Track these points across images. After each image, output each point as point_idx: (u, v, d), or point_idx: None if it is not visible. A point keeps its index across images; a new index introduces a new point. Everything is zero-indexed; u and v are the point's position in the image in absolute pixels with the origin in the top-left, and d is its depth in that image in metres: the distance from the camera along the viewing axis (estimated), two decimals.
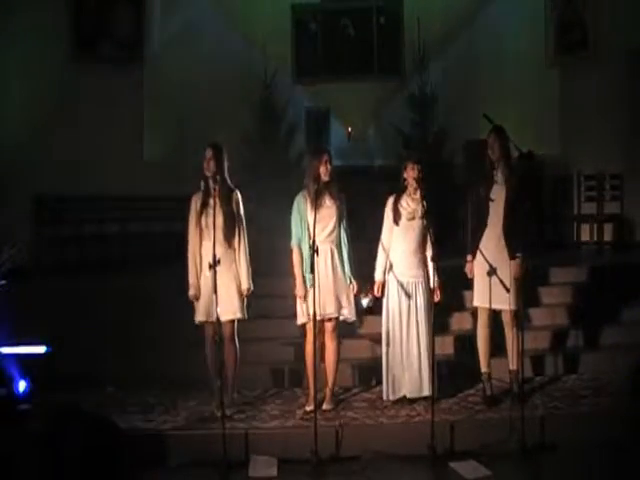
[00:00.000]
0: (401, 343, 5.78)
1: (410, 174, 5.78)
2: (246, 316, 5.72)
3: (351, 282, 5.73)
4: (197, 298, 5.65)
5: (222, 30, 10.91)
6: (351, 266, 5.74)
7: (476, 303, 5.86)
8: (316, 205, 5.49)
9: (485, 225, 5.74)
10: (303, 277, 5.67)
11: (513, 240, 5.65)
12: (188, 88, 10.66)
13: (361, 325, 6.59)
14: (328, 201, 5.67)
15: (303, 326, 5.78)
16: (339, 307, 5.71)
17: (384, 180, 6.34)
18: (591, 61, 9.88)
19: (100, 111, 9.45)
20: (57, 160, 8.90)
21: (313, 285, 5.37)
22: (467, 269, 5.88)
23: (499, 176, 5.72)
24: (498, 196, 5.67)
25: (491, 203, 5.71)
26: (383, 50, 12.10)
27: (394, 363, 5.79)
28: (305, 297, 5.65)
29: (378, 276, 5.83)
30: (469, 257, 5.85)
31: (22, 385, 5.07)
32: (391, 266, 5.81)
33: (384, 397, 5.84)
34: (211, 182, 5.63)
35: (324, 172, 5.63)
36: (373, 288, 5.85)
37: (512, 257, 5.64)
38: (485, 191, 5.74)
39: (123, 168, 9.44)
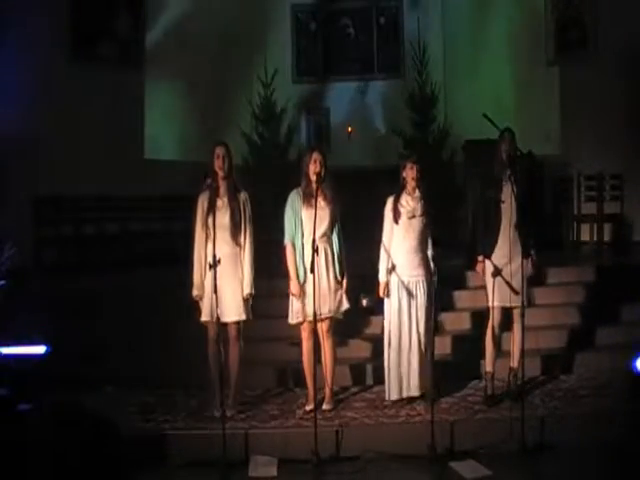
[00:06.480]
0: (403, 342, 5.76)
1: (409, 173, 5.78)
2: (250, 317, 5.67)
3: (343, 279, 5.69)
4: (200, 298, 5.60)
5: (222, 30, 10.90)
6: (342, 266, 5.70)
7: (495, 303, 5.79)
8: (310, 204, 5.47)
9: (498, 226, 5.74)
10: (297, 274, 5.65)
11: (526, 239, 5.64)
12: (188, 88, 10.67)
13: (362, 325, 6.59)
14: (322, 201, 5.63)
15: (297, 325, 5.76)
16: (333, 307, 5.67)
17: (384, 180, 6.32)
18: (591, 61, 9.88)
19: (100, 111, 9.44)
20: (57, 160, 8.89)
21: (305, 282, 5.40)
22: (478, 268, 5.87)
23: (511, 177, 5.69)
24: (509, 196, 5.65)
25: (502, 204, 5.71)
26: (383, 50, 12.12)
27: (396, 363, 5.78)
28: (300, 295, 5.63)
29: (381, 277, 5.82)
30: (480, 257, 5.84)
31: (22, 385, 5.06)
32: (393, 266, 5.80)
33: (386, 397, 5.82)
34: (219, 181, 5.56)
35: (312, 170, 5.59)
36: (375, 288, 5.85)
37: (526, 256, 5.64)
38: (496, 192, 5.74)
39: (123, 168, 9.43)
